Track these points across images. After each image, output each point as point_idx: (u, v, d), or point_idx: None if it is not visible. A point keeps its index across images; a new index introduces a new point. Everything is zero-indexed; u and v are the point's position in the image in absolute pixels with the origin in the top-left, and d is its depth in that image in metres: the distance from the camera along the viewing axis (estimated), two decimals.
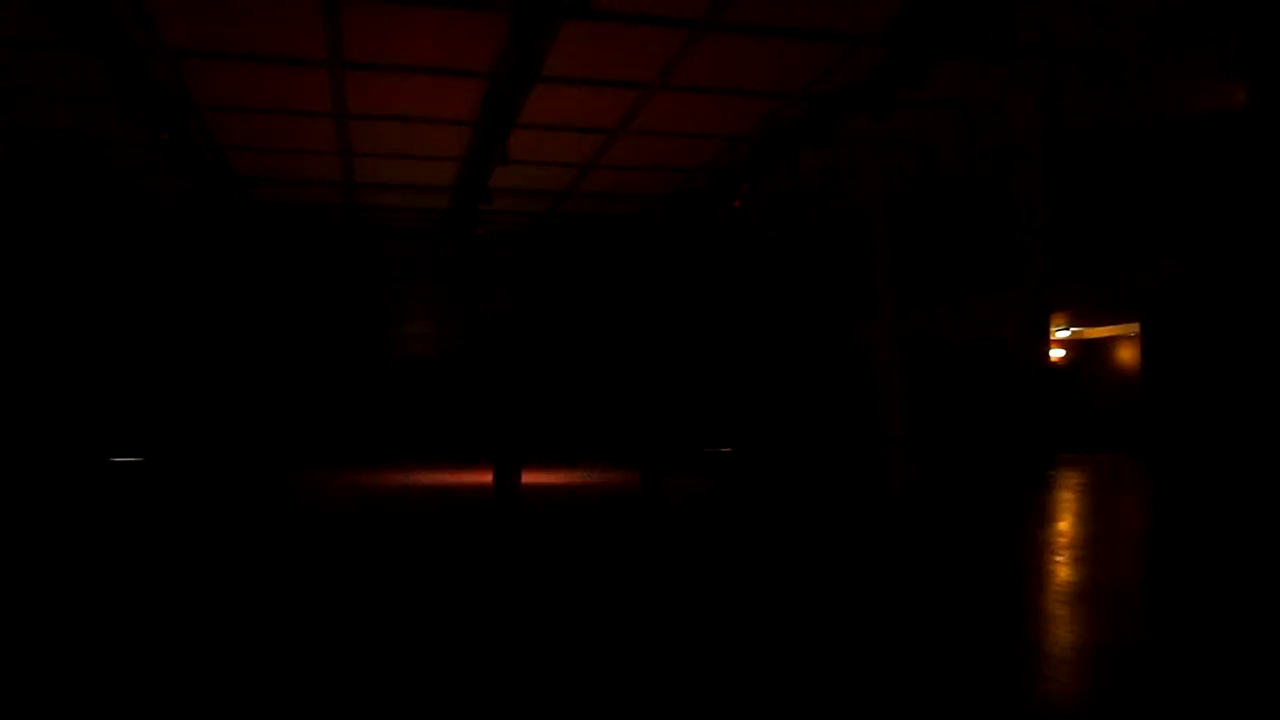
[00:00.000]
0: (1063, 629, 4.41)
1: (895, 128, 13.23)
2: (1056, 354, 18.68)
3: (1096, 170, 14.75)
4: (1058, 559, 6.38)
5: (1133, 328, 17.14)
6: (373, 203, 17.80)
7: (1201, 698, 3.31)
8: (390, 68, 10.98)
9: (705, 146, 14.32)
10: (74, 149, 14.32)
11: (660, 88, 11.68)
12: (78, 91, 11.72)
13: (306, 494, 11.27)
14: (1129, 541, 7.81)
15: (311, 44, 10.28)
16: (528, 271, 20.95)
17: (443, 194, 16.96)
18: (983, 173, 15.48)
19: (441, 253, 20.49)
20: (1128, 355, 18.87)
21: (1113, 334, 19.15)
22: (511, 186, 15.83)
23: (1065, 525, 8.22)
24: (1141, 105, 12.64)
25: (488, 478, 13.03)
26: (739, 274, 21.86)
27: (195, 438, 18.56)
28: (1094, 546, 7.13)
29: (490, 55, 10.55)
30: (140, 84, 10.82)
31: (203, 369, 18.92)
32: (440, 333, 20.61)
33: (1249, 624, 4.48)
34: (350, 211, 18.50)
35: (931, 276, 17.25)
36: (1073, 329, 18.89)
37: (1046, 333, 14.34)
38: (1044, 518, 8.72)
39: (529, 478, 13.04)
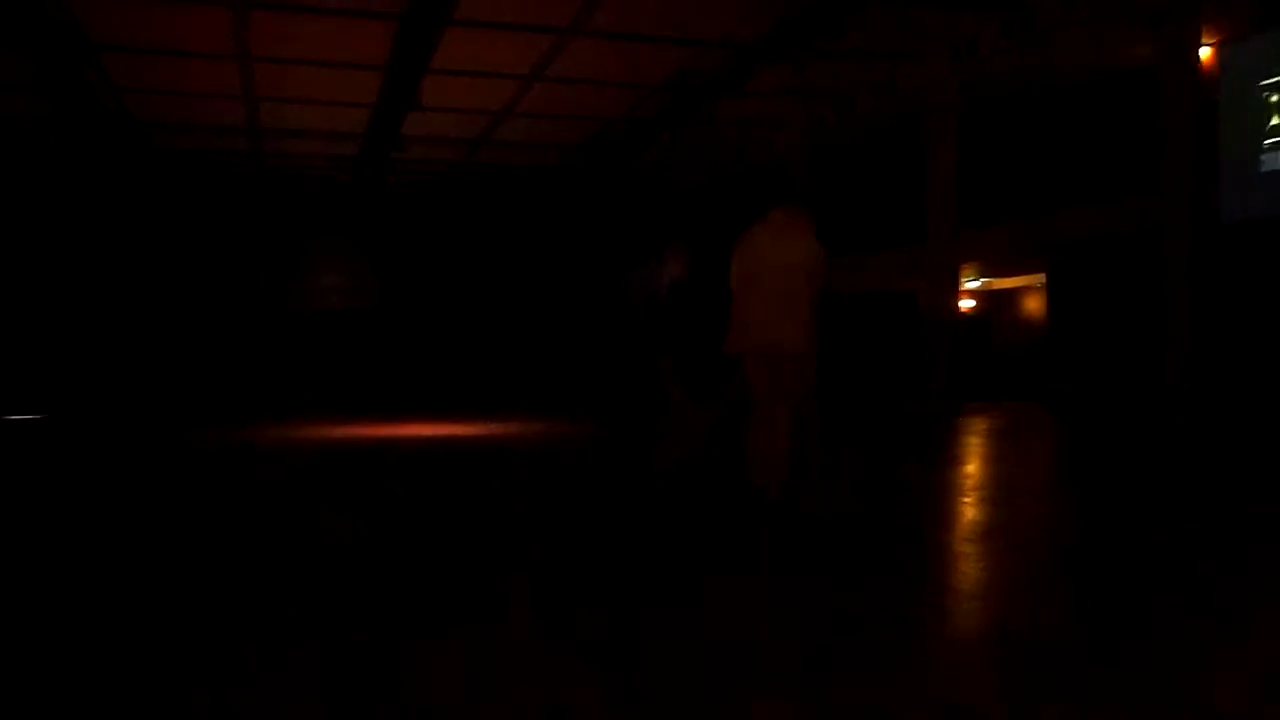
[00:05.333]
0: (969, 565, 4.53)
1: (814, 79, 13.23)
2: (966, 304, 19.08)
3: (1008, 123, 15.01)
4: (965, 500, 6.55)
5: (1040, 278, 17.61)
6: (281, 150, 17.26)
7: (1099, 625, 3.43)
8: (296, 7, 10.59)
9: (622, 95, 14.18)
10: None
11: (576, 33, 11.49)
12: None
13: (214, 449, 11.01)
14: (1031, 483, 8.06)
15: None
16: (443, 222, 20.58)
17: (354, 141, 16.52)
18: (899, 125, 15.62)
19: (354, 203, 19.97)
20: (1035, 305, 19.38)
21: (1021, 284, 19.63)
22: (425, 134, 15.48)
23: (972, 468, 8.45)
24: (1052, 60, 12.85)
25: (420, 431, 12.88)
26: (658, 225, 21.76)
27: (101, 394, 17.92)
28: (998, 488, 7.34)
29: None
30: (28, 21, 10.25)
31: (107, 323, 18.24)
32: (353, 286, 20.18)
33: (1143, 556, 4.66)
34: (257, 159, 17.93)
35: (848, 228, 17.40)
36: (982, 279, 19.32)
37: (956, 283, 14.63)
38: (952, 461, 8.94)
39: (442, 430, 12.94)
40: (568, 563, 4.52)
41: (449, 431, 12.85)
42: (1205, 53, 11.68)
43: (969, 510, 6.11)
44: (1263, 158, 11.24)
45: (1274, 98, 11.07)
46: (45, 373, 17.65)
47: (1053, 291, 15.49)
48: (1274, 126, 11.05)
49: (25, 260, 17.76)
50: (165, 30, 11.24)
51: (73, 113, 13.42)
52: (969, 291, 19.55)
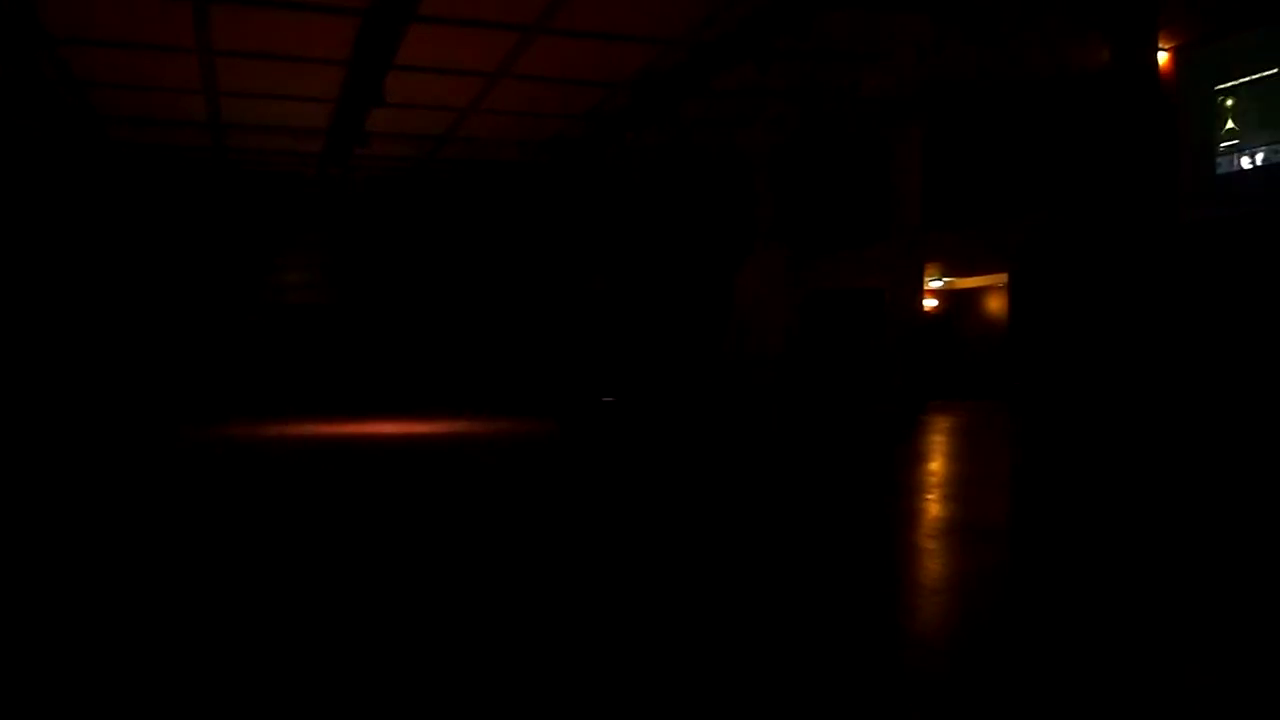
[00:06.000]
0: (933, 561, 4.57)
1: (778, 78, 13.29)
2: (930, 304, 19.24)
3: (971, 124, 15.12)
4: (928, 497, 6.61)
5: (1002, 278, 17.77)
6: (243, 145, 17.05)
7: (1058, 618, 3.47)
8: (258, 2, 10.46)
9: (587, 93, 14.15)
10: None
11: (541, 30, 11.45)
12: None
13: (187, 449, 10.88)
14: (993, 480, 8.15)
15: None
16: (408, 217, 20.45)
17: (317, 137, 16.36)
18: (863, 125, 15.72)
19: (317, 198, 19.78)
20: (998, 305, 19.57)
21: (984, 284, 19.82)
22: (389, 130, 15.36)
23: (935, 466, 8.52)
24: (1015, 61, 12.99)
25: (384, 429, 12.78)
26: (620, 222, 21.74)
27: (58, 390, 17.62)
28: (960, 485, 7.41)
29: None
30: None
31: (64, 318, 17.93)
32: (318, 281, 19.97)
33: (1100, 551, 4.73)
34: (220, 154, 17.70)
35: (811, 227, 17.49)
36: (945, 279, 19.48)
37: (920, 282, 14.76)
38: (915, 459, 9.02)
39: (405, 427, 12.85)
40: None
41: (414, 430, 12.77)
42: (1163, 57, 11.85)
43: (932, 507, 6.16)
44: (1219, 160, 11.43)
45: (1229, 102, 11.27)
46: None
47: (1015, 292, 15.64)
48: (1229, 130, 11.24)
49: None
50: (124, 22, 11.05)
51: (28, 105, 13.17)
52: (933, 291, 19.73)
